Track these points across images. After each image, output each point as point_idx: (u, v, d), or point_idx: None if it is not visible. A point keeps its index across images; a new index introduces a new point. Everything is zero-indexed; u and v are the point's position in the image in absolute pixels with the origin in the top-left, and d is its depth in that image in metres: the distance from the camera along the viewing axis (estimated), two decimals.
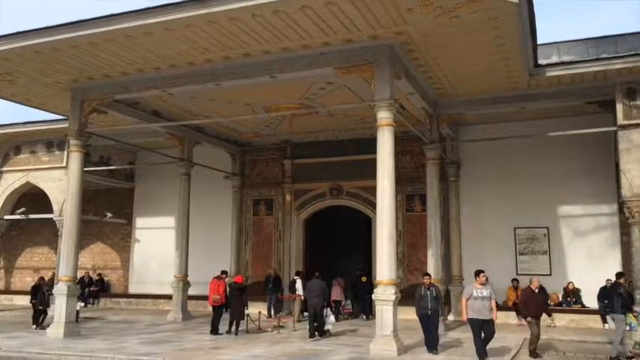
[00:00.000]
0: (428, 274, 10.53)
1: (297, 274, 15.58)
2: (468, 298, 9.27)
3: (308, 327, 12.08)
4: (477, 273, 9.49)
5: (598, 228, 14.75)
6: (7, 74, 11.80)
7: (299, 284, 14.95)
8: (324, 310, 12.41)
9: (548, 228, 15.19)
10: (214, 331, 12.56)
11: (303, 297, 14.80)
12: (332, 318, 12.89)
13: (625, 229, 13.50)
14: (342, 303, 15.71)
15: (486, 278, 9.54)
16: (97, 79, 12.05)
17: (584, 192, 14.78)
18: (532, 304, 9.97)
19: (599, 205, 14.73)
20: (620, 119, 11.79)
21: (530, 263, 15.21)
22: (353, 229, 18.35)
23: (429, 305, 9.87)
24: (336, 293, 15.40)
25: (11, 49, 10.40)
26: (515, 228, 15.46)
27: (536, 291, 10.12)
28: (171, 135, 15.82)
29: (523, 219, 15.33)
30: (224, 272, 13.63)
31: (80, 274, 16.23)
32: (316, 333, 11.84)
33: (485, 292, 9.24)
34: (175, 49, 10.30)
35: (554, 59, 13.11)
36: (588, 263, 14.55)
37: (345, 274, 16.02)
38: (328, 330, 12.42)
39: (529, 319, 9.97)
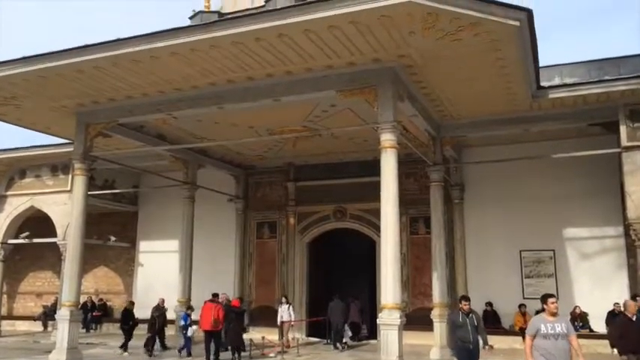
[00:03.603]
0: (466, 298, 8.72)
1: (284, 298, 15.61)
2: (534, 336, 6.44)
3: (332, 341, 14.74)
4: (545, 298, 6.61)
5: (604, 251, 14.61)
6: (13, 98, 11.89)
7: (283, 309, 14.95)
8: (344, 326, 14.90)
9: (554, 251, 15.05)
10: (216, 356, 12.35)
11: (291, 323, 14.88)
12: (349, 332, 15.60)
13: (631, 251, 13.37)
14: (362, 327, 15.82)
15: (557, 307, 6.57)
16: (102, 102, 12.13)
17: (590, 214, 14.68)
18: (632, 336, 7.94)
19: (605, 227, 14.61)
20: (624, 141, 11.78)
21: (536, 286, 15.00)
22: (357, 252, 18.24)
23: (470, 337, 8.16)
24: (354, 315, 15.43)
25: (17, 73, 10.51)
26: (520, 251, 15.32)
27: (634, 318, 8.15)
28: (176, 158, 15.87)
29: (529, 241, 15.21)
30: (216, 295, 13.36)
31: (83, 298, 16.11)
32: (339, 345, 14.33)
33: (560, 328, 6.37)
34: (180, 73, 10.38)
35: (557, 81, 13.15)
36: (595, 287, 14.37)
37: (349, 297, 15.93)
38: (346, 342, 14.74)
39: (625, 356, 8.12)
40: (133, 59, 9.75)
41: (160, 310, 14.40)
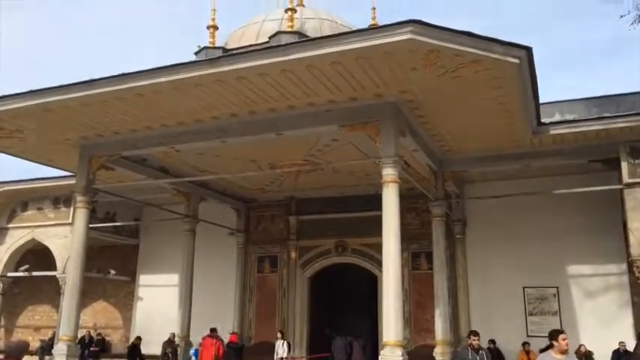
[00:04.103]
0: (476, 333, 8.48)
1: (279, 333, 15.39)
2: None
3: None
4: (555, 335, 6.26)
5: (608, 288, 14.46)
6: (18, 132, 11.99)
7: (278, 345, 14.74)
8: None
9: (557, 287, 14.90)
10: None
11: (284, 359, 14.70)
12: None
13: (635, 289, 13.25)
14: None
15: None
16: (106, 136, 12.22)
17: (593, 250, 14.59)
18: None
19: (608, 264, 14.50)
20: (626, 177, 11.79)
21: (540, 324, 14.80)
22: (358, 287, 18.09)
23: None
24: (357, 354, 15.22)
25: (23, 107, 10.61)
26: (524, 287, 15.18)
27: None
28: (178, 191, 15.88)
29: (532, 278, 15.07)
30: (214, 330, 13.18)
31: (81, 333, 15.91)
32: None
33: None
34: (184, 107, 10.49)
35: (557, 118, 13.27)
36: (599, 325, 14.18)
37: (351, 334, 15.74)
38: None
39: None
40: (138, 93, 9.85)
41: (172, 345, 14.18)
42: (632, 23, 11.63)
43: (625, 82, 40.87)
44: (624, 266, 14.07)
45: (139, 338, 15.20)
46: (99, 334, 19.86)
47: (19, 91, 10.55)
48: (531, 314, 15.04)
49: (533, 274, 15.05)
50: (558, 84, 44.95)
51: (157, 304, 19.03)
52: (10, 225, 18.78)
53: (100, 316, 20.55)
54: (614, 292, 14.35)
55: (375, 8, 18.00)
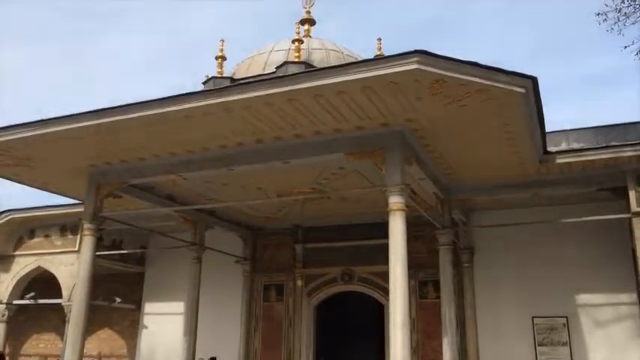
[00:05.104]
0: None
1: None
2: None
3: None
4: None
5: (618, 318, 14.24)
6: (28, 159, 12.11)
7: None
8: None
9: (567, 317, 14.68)
10: None
11: None
12: None
13: None
14: None
15: None
16: (115, 164, 12.31)
17: (602, 280, 14.41)
18: None
19: (618, 294, 14.29)
20: (634, 206, 11.73)
21: (550, 354, 14.58)
22: (365, 316, 17.90)
23: None
24: None
25: (34, 135, 10.74)
26: (533, 317, 14.97)
27: None
28: (185, 219, 15.90)
29: (541, 307, 14.87)
30: (214, 359, 13.06)
31: None
32: None
33: None
34: (192, 135, 10.58)
35: (564, 146, 13.26)
36: (611, 356, 13.93)
37: None
38: None
39: None
40: (148, 122, 9.95)
41: None
42: (638, 53, 11.73)
43: (632, 112, 40.91)
44: (635, 296, 13.88)
45: None
46: None
47: (29, 120, 10.69)
48: (541, 344, 14.81)
49: (542, 303, 14.86)
50: (561, 114, 45.11)
51: (162, 332, 18.89)
52: (17, 252, 18.81)
53: (104, 344, 20.38)
54: (625, 322, 14.12)
55: (380, 39, 18.21)
